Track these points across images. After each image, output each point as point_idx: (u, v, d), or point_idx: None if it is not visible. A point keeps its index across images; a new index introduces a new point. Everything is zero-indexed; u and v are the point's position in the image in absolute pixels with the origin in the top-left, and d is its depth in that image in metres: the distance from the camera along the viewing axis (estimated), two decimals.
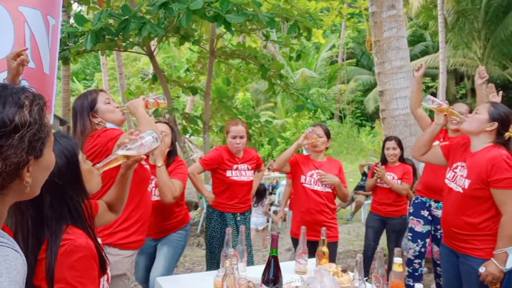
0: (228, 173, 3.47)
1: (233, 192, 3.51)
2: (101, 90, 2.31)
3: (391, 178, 3.97)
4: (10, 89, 0.84)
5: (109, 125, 2.22)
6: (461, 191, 2.33)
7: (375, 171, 3.98)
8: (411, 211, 3.71)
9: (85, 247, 1.24)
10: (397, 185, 3.95)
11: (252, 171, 3.59)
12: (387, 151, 4.03)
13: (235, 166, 3.49)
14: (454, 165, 2.46)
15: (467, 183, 2.30)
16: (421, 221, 3.59)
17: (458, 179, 2.39)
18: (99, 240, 1.46)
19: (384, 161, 4.09)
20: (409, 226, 3.72)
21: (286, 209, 4.89)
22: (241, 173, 3.51)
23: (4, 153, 0.78)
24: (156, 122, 2.86)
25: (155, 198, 2.84)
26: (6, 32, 2.46)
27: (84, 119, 2.17)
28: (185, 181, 2.93)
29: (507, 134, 2.32)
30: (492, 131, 2.30)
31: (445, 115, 2.52)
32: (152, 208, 2.57)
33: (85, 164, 1.46)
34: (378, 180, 4.00)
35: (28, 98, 0.84)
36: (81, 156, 1.43)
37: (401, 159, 4.09)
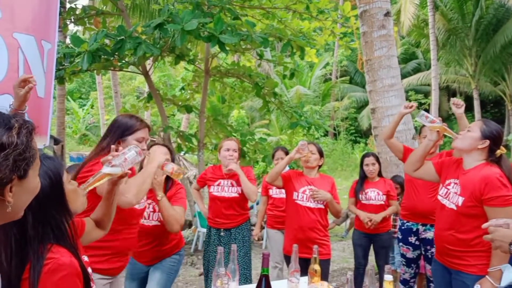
0: (211, 189, 3.60)
1: (215, 207, 3.59)
2: (147, 126, 2.30)
3: (376, 194, 4.02)
4: (2, 114, 0.89)
5: None
6: (455, 208, 2.36)
7: (366, 225, 3.95)
8: (399, 236, 3.73)
9: (69, 265, 1.27)
10: (391, 209, 4.01)
11: (239, 188, 3.56)
12: (366, 167, 4.09)
13: (217, 182, 3.58)
14: (447, 182, 2.49)
15: (460, 200, 2.33)
16: (410, 248, 3.63)
17: (451, 196, 2.41)
18: (86, 257, 1.48)
19: (363, 177, 4.14)
20: (401, 252, 3.75)
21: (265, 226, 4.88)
22: (223, 189, 3.56)
23: None
24: (154, 144, 2.92)
25: (153, 223, 2.83)
26: (0, 58, 2.52)
27: (114, 138, 2.18)
28: (185, 205, 2.93)
29: (498, 152, 2.36)
30: (484, 149, 2.34)
31: (438, 131, 2.56)
32: (148, 234, 2.58)
33: (69, 185, 1.49)
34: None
35: (18, 122, 0.90)
36: (65, 177, 1.45)
37: (380, 173, 4.17)
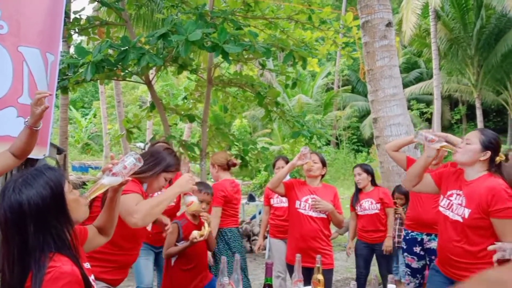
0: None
1: None
2: (179, 170, 2.48)
3: (370, 204, 4.07)
4: None
5: (144, 185, 2.32)
6: (461, 220, 2.33)
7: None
8: (404, 246, 3.73)
9: (70, 274, 1.29)
10: (390, 224, 4.05)
11: None
12: (355, 178, 4.17)
13: None
14: (449, 193, 2.46)
15: (467, 212, 2.30)
16: (415, 257, 3.62)
17: (454, 207, 2.39)
18: (88, 264, 1.50)
19: (357, 188, 4.21)
20: (406, 262, 3.74)
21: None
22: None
23: None
24: (156, 143, 3.08)
25: None
26: (5, 71, 2.57)
27: (158, 171, 2.31)
28: None
29: (498, 159, 2.36)
30: (485, 160, 2.33)
31: (438, 149, 2.54)
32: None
33: (71, 194, 1.50)
34: None
35: None
36: (67, 187, 1.47)
37: (373, 183, 4.20)
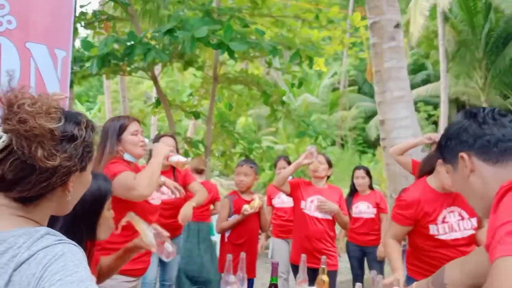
0: None
1: None
2: (134, 119, 2.38)
3: (366, 207, 4.05)
4: (72, 112, 1.00)
5: (126, 156, 2.29)
6: (473, 231, 2.23)
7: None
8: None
9: None
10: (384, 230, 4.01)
11: None
12: (357, 180, 4.14)
13: None
14: (441, 216, 2.29)
15: (475, 222, 2.24)
16: None
17: (456, 225, 2.27)
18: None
19: (354, 190, 4.15)
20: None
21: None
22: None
23: (63, 155, 0.91)
24: (162, 136, 3.17)
25: (163, 197, 2.92)
26: (12, 67, 2.55)
27: (113, 141, 2.25)
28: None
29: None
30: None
31: None
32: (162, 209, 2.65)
33: (107, 211, 1.53)
34: None
35: (84, 118, 1.01)
36: (108, 203, 1.51)
37: (371, 187, 4.19)
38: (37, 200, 0.92)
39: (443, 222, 2.29)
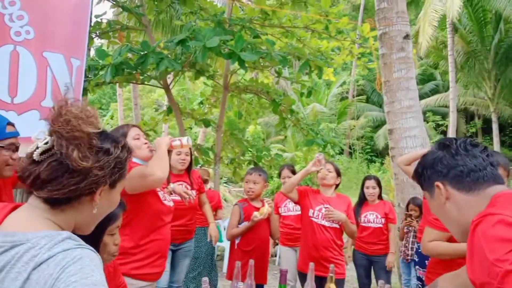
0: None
1: None
2: (134, 125, 2.47)
3: (375, 217, 4.07)
4: (114, 134, 1.13)
5: (135, 160, 2.34)
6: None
7: None
8: (415, 259, 3.72)
9: None
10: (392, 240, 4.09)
11: None
12: (367, 190, 4.14)
13: None
14: None
15: None
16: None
17: None
18: None
19: (363, 199, 4.17)
20: (417, 275, 3.71)
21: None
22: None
23: (95, 163, 0.98)
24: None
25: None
26: (30, 75, 2.66)
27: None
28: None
29: None
30: None
31: None
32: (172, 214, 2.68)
33: (108, 237, 1.51)
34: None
35: (123, 141, 1.09)
36: (111, 229, 1.50)
37: (380, 197, 4.22)
38: (64, 205, 0.98)
39: None
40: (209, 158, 7.18)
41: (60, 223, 0.98)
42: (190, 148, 3.31)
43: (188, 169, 3.45)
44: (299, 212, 3.67)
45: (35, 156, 0.97)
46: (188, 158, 3.42)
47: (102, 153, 1.01)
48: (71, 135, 0.96)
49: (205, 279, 2.02)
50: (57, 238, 0.90)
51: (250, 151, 7.78)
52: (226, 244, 4.40)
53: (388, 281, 3.97)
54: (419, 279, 3.72)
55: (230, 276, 2.99)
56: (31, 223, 0.94)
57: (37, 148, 0.97)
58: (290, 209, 4.03)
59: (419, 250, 3.66)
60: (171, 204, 2.52)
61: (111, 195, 1.07)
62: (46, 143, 0.97)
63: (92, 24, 5.98)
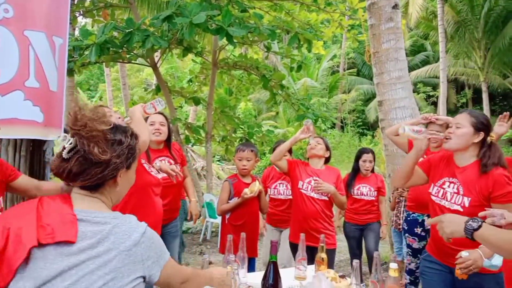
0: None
1: None
2: (101, 106, 2.42)
3: (368, 190, 4.12)
4: (122, 125, 1.34)
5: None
6: (460, 209, 2.26)
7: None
8: (405, 227, 3.77)
9: None
10: (383, 212, 4.20)
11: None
12: (364, 163, 4.15)
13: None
14: (441, 181, 2.39)
15: (467, 201, 2.25)
16: (416, 238, 3.64)
17: (449, 196, 2.33)
18: None
19: (356, 171, 4.20)
20: (407, 242, 3.77)
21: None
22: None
23: (113, 153, 1.23)
24: (154, 113, 3.11)
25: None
26: (11, 55, 2.60)
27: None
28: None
29: (489, 139, 2.29)
30: (478, 142, 2.27)
31: (428, 138, 2.42)
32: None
33: None
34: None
35: (130, 130, 1.34)
36: None
37: (372, 169, 4.25)
38: (96, 190, 1.25)
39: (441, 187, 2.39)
40: (201, 137, 7.17)
41: (104, 200, 1.27)
42: (166, 119, 3.20)
43: (168, 143, 3.25)
44: (290, 197, 3.67)
45: (64, 154, 1.18)
46: (164, 128, 3.15)
47: (116, 144, 1.24)
48: (90, 135, 1.18)
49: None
50: (133, 222, 1.25)
51: (242, 128, 7.77)
52: (220, 220, 4.34)
53: (376, 248, 4.05)
54: (408, 246, 3.78)
55: (223, 250, 3.03)
56: (87, 203, 1.23)
57: (64, 148, 1.18)
58: (281, 192, 3.95)
59: (408, 219, 3.71)
60: (159, 176, 2.51)
61: (129, 175, 1.32)
62: (71, 143, 1.19)
63: (76, 2, 5.86)
